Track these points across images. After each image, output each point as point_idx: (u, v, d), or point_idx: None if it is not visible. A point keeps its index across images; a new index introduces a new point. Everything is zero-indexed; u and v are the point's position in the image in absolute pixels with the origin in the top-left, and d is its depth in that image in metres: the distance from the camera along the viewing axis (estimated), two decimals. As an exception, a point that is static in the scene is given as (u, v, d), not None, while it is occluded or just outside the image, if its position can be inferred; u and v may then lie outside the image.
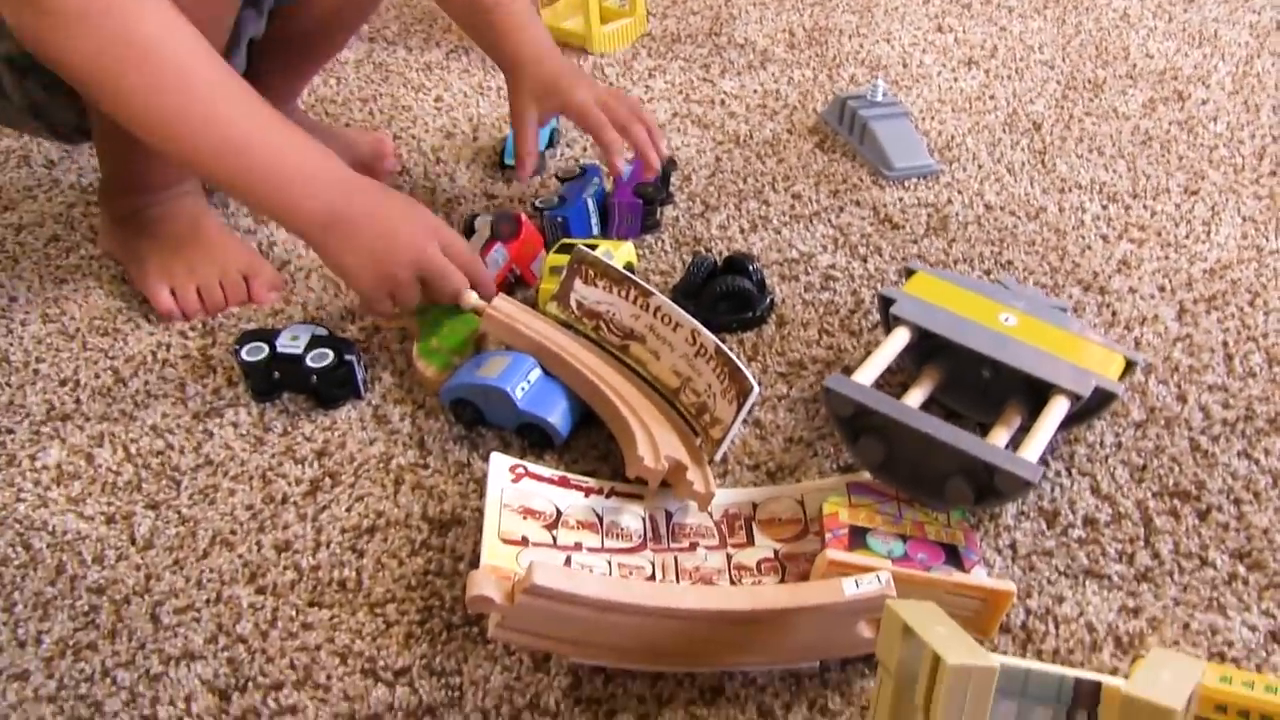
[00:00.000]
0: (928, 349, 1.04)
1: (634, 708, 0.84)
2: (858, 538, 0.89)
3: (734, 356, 1.00)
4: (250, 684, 0.86)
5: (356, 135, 1.51)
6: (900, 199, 1.40)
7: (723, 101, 1.64)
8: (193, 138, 1.01)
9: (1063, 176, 1.43)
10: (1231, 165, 1.44)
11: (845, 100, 1.52)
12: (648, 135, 1.28)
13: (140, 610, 0.93)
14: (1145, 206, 1.37)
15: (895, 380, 1.11)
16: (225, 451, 1.07)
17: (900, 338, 1.02)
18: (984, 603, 0.84)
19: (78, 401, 1.14)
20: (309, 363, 1.09)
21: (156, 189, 1.26)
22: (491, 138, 1.56)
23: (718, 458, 1.02)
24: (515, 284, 1.25)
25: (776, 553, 0.94)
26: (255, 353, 1.10)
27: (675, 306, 1.06)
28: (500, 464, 0.98)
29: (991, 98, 1.62)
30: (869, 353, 1.02)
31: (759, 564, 0.93)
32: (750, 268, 1.19)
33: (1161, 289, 1.23)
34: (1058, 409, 0.95)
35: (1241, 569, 0.92)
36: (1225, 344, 1.15)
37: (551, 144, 1.52)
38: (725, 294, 1.17)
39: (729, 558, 0.94)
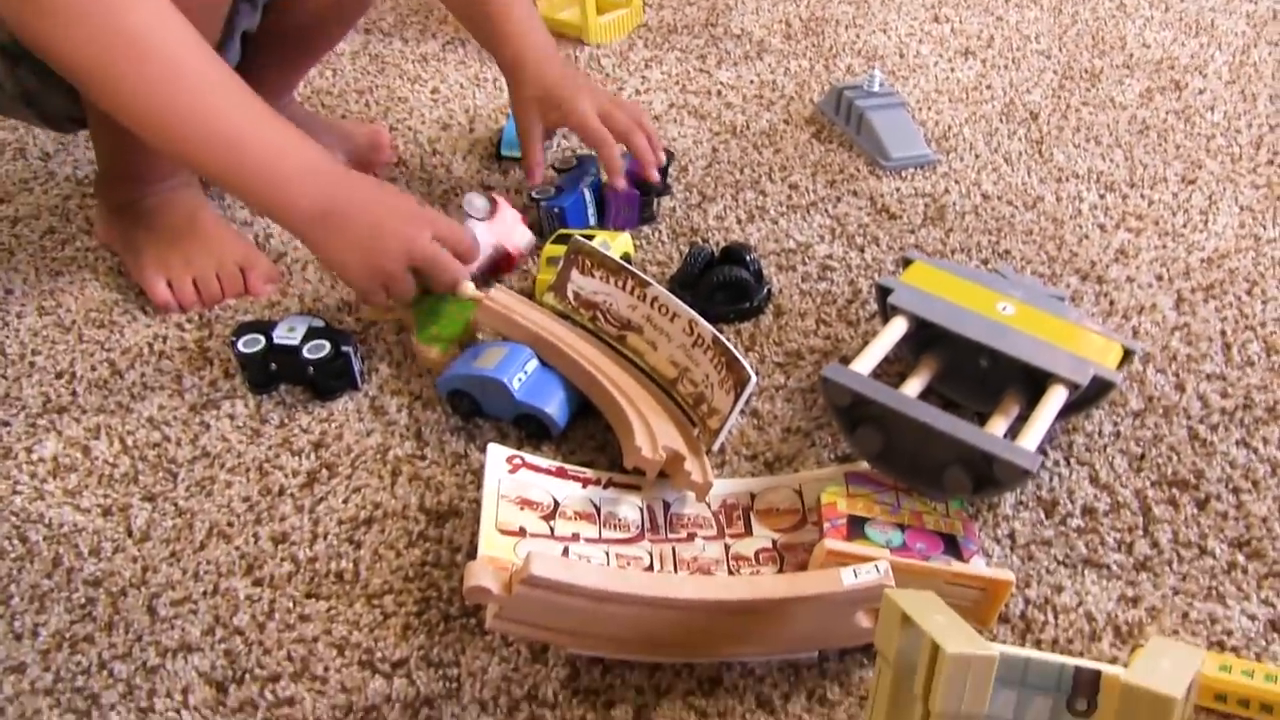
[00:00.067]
0: (925, 338, 1.04)
1: (632, 698, 0.84)
2: (856, 527, 0.89)
3: (731, 346, 1.00)
4: (247, 676, 0.86)
5: (353, 127, 1.50)
6: (897, 189, 1.40)
7: (719, 92, 1.63)
8: (182, 130, 1.01)
9: (1060, 166, 1.43)
10: (1229, 154, 1.44)
11: (842, 90, 1.52)
12: (648, 143, 1.28)
13: (137, 602, 0.92)
14: (1143, 196, 1.37)
15: (893, 370, 1.11)
16: (222, 443, 1.07)
17: (898, 327, 1.02)
18: (983, 592, 0.84)
19: (74, 394, 1.13)
20: (306, 354, 1.08)
21: (153, 180, 1.26)
22: (488, 129, 1.56)
23: (715, 448, 1.02)
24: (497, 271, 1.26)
25: (774, 543, 0.94)
26: (252, 344, 1.10)
27: (672, 297, 1.06)
28: (497, 455, 0.98)
29: (988, 87, 1.62)
30: (866, 342, 1.01)
31: (757, 554, 0.93)
32: (747, 258, 1.19)
33: (1159, 278, 1.23)
34: (1056, 398, 0.95)
35: (1240, 558, 0.92)
36: (1223, 333, 1.15)
37: (548, 135, 1.51)
38: (722, 284, 1.17)
39: (727, 548, 0.94)
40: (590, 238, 1.16)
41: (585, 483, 0.99)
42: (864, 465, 0.97)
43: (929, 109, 1.57)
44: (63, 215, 1.41)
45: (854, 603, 0.79)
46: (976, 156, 1.46)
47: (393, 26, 1.87)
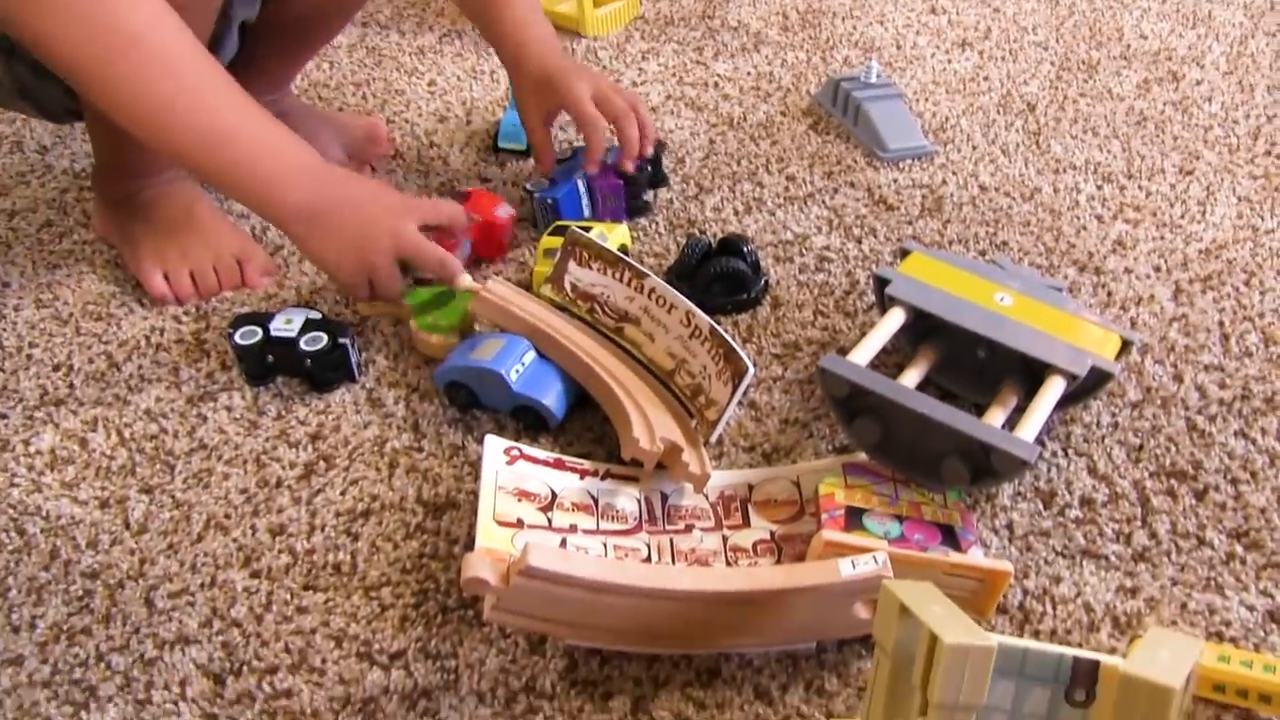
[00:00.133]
0: (923, 329, 1.04)
1: (630, 690, 0.84)
2: (854, 519, 0.89)
3: (729, 338, 1.00)
4: (245, 668, 0.86)
5: (350, 120, 1.50)
6: (895, 180, 1.39)
7: (716, 84, 1.63)
8: (176, 127, 1.02)
9: (1057, 157, 1.43)
10: (1226, 145, 1.44)
11: (839, 82, 1.51)
12: (637, 133, 1.28)
13: (134, 595, 0.92)
14: (1140, 187, 1.36)
15: (891, 361, 1.11)
16: (219, 435, 1.07)
17: (895, 318, 1.02)
18: (981, 583, 0.84)
19: (71, 386, 1.13)
20: (303, 346, 1.08)
21: (150, 173, 1.26)
22: (485, 121, 1.55)
23: (713, 439, 1.02)
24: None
25: (772, 534, 0.94)
26: (249, 336, 1.10)
27: (670, 288, 1.06)
28: (495, 446, 0.98)
29: (985, 79, 1.62)
30: (864, 334, 1.01)
31: (755, 545, 0.93)
32: (745, 249, 1.19)
33: (1157, 269, 1.23)
34: (1054, 389, 0.95)
35: (1239, 549, 0.92)
36: (1221, 324, 1.15)
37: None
38: (720, 276, 1.17)
39: (725, 539, 0.94)
40: (587, 229, 1.16)
41: (583, 474, 0.99)
42: (862, 456, 0.97)
43: (926, 100, 1.57)
44: (60, 208, 1.41)
45: (852, 594, 0.79)
46: (974, 148, 1.45)
47: (390, 19, 1.87)
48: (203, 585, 0.93)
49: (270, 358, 1.10)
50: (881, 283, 1.05)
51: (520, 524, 0.91)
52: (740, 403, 1.07)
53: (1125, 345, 1.02)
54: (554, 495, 0.96)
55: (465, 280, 1.11)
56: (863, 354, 0.97)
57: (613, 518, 0.95)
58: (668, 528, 0.95)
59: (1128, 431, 1.03)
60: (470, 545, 0.93)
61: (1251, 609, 0.88)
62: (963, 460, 0.89)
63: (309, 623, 0.89)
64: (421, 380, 1.11)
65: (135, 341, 1.18)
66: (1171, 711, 0.61)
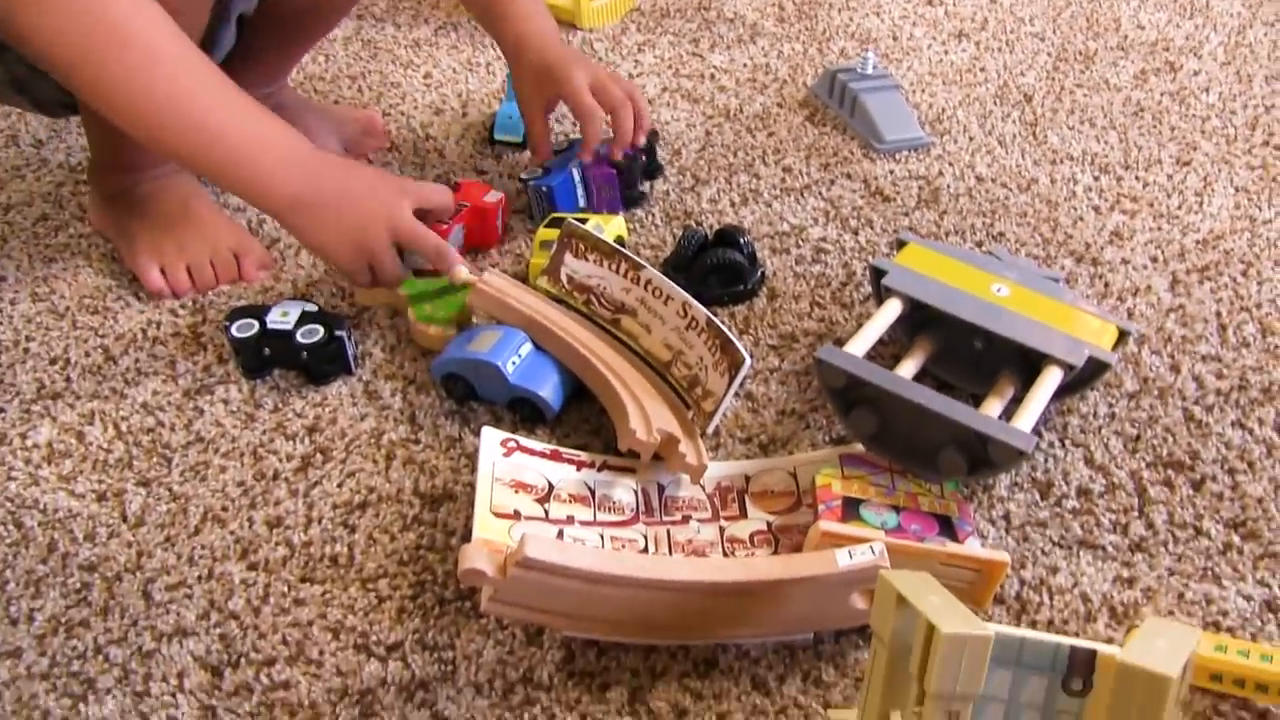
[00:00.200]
0: (920, 320, 1.04)
1: (627, 681, 0.84)
2: (851, 509, 0.89)
3: (725, 329, 1.00)
4: (243, 660, 0.86)
5: (346, 113, 1.50)
6: (891, 171, 1.39)
7: (712, 76, 1.63)
8: (161, 119, 1.02)
9: (1054, 148, 1.43)
10: (1224, 136, 1.44)
11: (835, 73, 1.51)
12: (631, 124, 1.28)
13: (132, 587, 0.92)
14: (1137, 178, 1.36)
15: (887, 352, 1.11)
16: (216, 428, 1.07)
17: (892, 309, 1.02)
18: (978, 574, 0.84)
19: (68, 380, 1.13)
20: (299, 339, 1.08)
21: (146, 167, 1.26)
22: (481, 113, 1.55)
23: (710, 430, 1.02)
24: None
25: (769, 525, 0.94)
26: (245, 329, 1.09)
27: (666, 280, 1.06)
28: (492, 438, 0.98)
29: (982, 70, 1.62)
30: (861, 325, 1.01)
31: (752, 536, 0.93)
32: (741, 241, 1.19)
33: (1154, 260, 1.23)
34: (1051, 379, 0.95)
35: (1236, 539, 0.92)
36: (1218, 314, 1.15)
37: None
38: (716, 267, 1.17)
39: (722, 530, 0.94)
40: (584, 221, 1.16)
41: (580, 465, 0.99)
42: (859, 447, 0.97)
43: (923, 91, 1.57)
44: (56, 202, 1.41)
45: (849, 584, 0.79)
46: (970, 139, 1.45)
47: (385, 11, 1.87)
48: (200, 578, 0.93)
49: (267, 350, 1.10)
50: (878, 274, 1.05)
51: (517, 515, 0.91)
52: (737, 394, 1.08)
53: (1122, 336, 1.02)
54: (551, 487, 0.95)
55: (462, 273, 1.11)
56: (859, 345, 0.97)
57: (610, 509, 0.95)
58: (665, 519, 0.95)
59: (1125, 422, 1.03)
60: (467, 537, 0.93)
61: (1248, 599, 0.88)
62: (960, 451, 0.89)
63: (306, 615, 0.89)
64: (418, 372, 1.11)
65: (132, 335, 1.18)
66: (1168, 700, 0.61)
